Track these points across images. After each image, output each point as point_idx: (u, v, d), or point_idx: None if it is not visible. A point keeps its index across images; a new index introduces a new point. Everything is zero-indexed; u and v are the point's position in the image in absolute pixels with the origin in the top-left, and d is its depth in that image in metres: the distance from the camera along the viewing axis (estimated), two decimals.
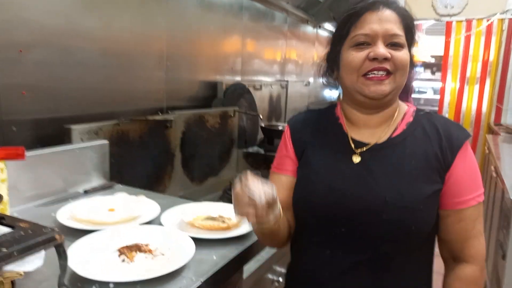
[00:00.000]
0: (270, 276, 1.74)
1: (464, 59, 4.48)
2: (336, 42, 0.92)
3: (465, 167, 0.87)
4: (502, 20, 4.23)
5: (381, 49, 0.83)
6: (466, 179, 0.87)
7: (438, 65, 4.62)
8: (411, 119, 0.93)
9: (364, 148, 0.90)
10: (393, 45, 0.85)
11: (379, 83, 0.85)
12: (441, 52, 4.58)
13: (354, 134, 0.93)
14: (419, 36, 0.93)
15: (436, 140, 0.88)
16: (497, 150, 2.88)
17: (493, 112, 4.42)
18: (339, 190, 0.87)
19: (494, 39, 4.31)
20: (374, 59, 0.83)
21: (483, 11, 4.27)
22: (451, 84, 4.58)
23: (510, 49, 4.25)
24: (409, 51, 0.89)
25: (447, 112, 4.64)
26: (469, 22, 4.38)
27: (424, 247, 0.91)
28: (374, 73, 0.84)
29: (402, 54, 0.85)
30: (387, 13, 0.85)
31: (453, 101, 4.59)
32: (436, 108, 4.79)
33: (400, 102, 0.96)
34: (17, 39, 1.36)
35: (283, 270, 1.83)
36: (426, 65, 8.54)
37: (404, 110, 0.95)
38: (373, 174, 0.87)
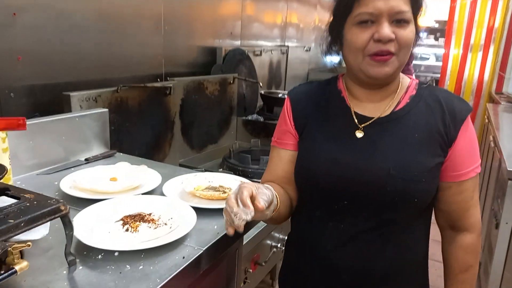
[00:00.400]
0: (268, 242, 1.79)
1: (469, 25, 4.38)
2: (339, 16, 0.88)
3: (466, 141, 0.88)
4: None
5: (386, 30, 0.80)
6: (467, 153, 0.89)
7: (441, 31, 4.53)
8: (414, 92, 0.92)
9: (368, 122, 0.90)
10: (399, 21, 0.82)
11: (383, 64, 0.83)
12: (445, 17, 4.47)
13: (357, 108, 0.92)
14: (426, 3, 0.89)
15: (439, 114, 0.88)
16: (497, 120, 2.89)
17: (495, 80, 4.37)
18: (343, 163, 0.87)
19: (500, 5, 4.20)
20: (379, 40, 0.81)
21: None
22: (454, 51, 4.51)
23: None
24: (416, 22, 0.86)
25: (449, 80, 4.60)
26: None
27: (423, 217, 0.93)
28: (378, 54, 0.83)
29: (407, 33, 0.82)
30: None
31: (455, 69, 4.53)
32: (438, 75, 4.74)
33: (403, 75, 0.95)
34: (10, 1, 1.32)
35: (281, 236, 1.88)
36: (429, 31, 8.38)
37: (407, 84, 0.94)
38: (377, 147, 0.87)
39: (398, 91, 0.92)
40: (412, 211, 0.89)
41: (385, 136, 0.88)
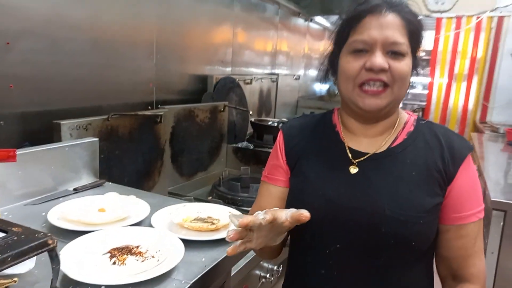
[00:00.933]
0: (257, 272, 1.78)
1: (453, 55, 4.54)
2: (337, 44, 0.87)
3: (468, 181, 0.83)
4: (491, 18, 4.29)
5: (378, 59, 0.77)
6: (468, 194, 0.83)
7: (427, 60, 4.67)
8: (411, 128, 0.89)
9: (362, 158, 0.86)
10: (394, 53, 0.79)
11: (375, 96, 0.80)
12: (430, 47, 4.63)
13: (352, 143, 0.89)
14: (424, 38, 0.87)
15: (437, 151, 0.84)
16: (481, 149, 2.95)
17: (479, 109, 4.50)
18: (335, 202, 0.83)
19: (483, 37, 4.37)
20: (370, 69, 0.78)
21: (473, 8, 4.32)
22: (439, 80, 4.65)
23: (498, 47, 4.32)
24: (414, 57, 0.84)
25: (434, 109, 4.71)
26: (459, 19, 4.42)
27: (424, 261, 0.87)
28: (369, 85, 0.80)
29: (401, 66, 0.79)
30: (390, 18, 0.79)
31: (440, 98, 4.66)
32: (425, 104, 4.85)
33: (401, 111, 0.92)
34: (3, 29, 1.34)
35: (270, 266, 1.87)
36: None
37: (404, 119, 0.90)
38: (372, 185, 0.82)
39: (395, 126, 0.88)
40: (410, 255, 0.82)
41: (381, 173, 0.83)
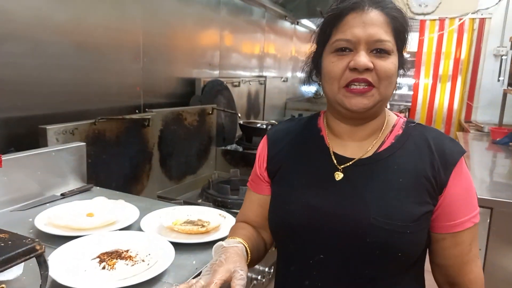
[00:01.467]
0: (249, 274, 1.77)
1: (437, 56, 4.62)
2: (319, 44, 0.83)
3: (461, 187, 0.78)
4: (473, 19, 4.38)
5: (362, 58, 0.74)
6: (462, 200, 0.78)
7: (412, 62, 4.74)
8: (400, 131, 0.84)
9: (348, 164, 0.82)
10: (379, 51, 0.75)
11: (361, 95, 0.76)
12: (415, 49, 4.70)
13: (337, 148, 0.85)
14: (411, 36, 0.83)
15: (427, 156, 0.79)
16: (467, 148, 3.00)
17: (463, 109, 4.59)
18: (319, 210, 0.79)
19: (465, 38, 4.46)
20: (355, 69, 0.75)
21: (456, 10, 4.41)
22: (424, 81, 4.72)
23: (480, 48, 4.41)
24: (401, 55, 0.80)
25: (420, 109, 4.79)
26: (442, 21, 4.51)
27: (413, 272, 0.83)
28: (355, 85, 0.76)
29: (387, 64, 0.75)
30: (373, 15, 0.75)
31: (426, 98, 4.73)
32: (410, 104, 4.92)
33: (389, 112, 0.87)
34: None
35: (261, 268, 1.87)
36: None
37: (393, 122, 0.86)
38: (357, 192, 0.79)
39: (383, 129, 0.84)
40: (397, 266, 0.78)
41: (367, 180, 0.79)
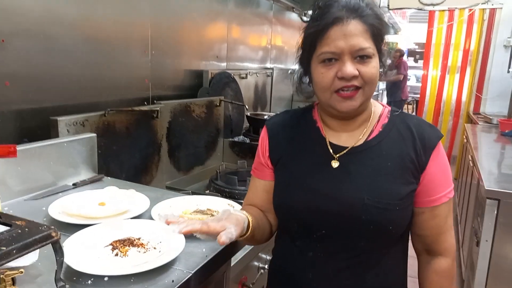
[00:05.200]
0: (256, 263, 1.80)
1: (446, 48, 4.58)
2: (305, 51, 0.92)
3: (438, 166, 0.91)
4: (483, 10, 4.32)
5: (349, 68, 0.83)
6: (439, 178, 0.91)
7: (421, 53, 4.70)
8: (386, 120, 0.95)
9: (342, 152, 0.93)
10: (361, 57, 0.84)
11: (350, 99, 0.87)
12: (424, 40, 4.66)
13: (332, 137, 0.95)
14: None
15: (410, 142, 0.91)
16: (475, 140, 2.99)
17: (472, 101, 4.54)
18: (319, 194, 0.90)
19: (475, 29, 4.40)
20: (343, 77, 0.84)
21: (466, 1, 4.35)
22: (433, 73, 4.68)
23: (490, 39, 4.36)
24: (380, 52, 0.89)
25: (428, 101, 4.75)
26: (451, 11, 4.46)
27: (400, 243, 0.96)
28: (344, 90, 0.86)
29: (369, 69, 0.85)
30: (352, 26, 0.83)
31: (434, 90, 4.70)
32: (419, 96, 4.89)
33: (375, 103, 0.98)
34: None
35: (268, 257, 1.89)
36: (409, 53, 8.65)
37: (379, 112, 0.97)
38: (352, 177, 0.90)
39: (371, 119, 0.95)
40: (388, 238, 0.91)
41: (359, 166, 0.91)
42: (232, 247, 1.07)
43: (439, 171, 0.91)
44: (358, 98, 0.87)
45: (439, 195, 0.91)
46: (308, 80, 0.96)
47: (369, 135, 0.94)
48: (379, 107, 0.98)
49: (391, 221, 0.88)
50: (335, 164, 0.92)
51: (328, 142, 0.95)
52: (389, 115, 0.96)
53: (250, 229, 0.89)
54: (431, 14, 4.53)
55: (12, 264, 0.72)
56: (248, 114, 2.82)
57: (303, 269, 0.95)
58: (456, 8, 4.41)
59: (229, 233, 0.81)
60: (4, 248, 0.67)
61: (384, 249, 0.93)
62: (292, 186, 0.94)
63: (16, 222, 0.76)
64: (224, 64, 2.74)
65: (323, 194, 0.90)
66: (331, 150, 0.94)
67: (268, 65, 3.51)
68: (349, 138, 0.94)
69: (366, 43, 0.84)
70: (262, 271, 1.82)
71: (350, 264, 0.91)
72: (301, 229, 0.95)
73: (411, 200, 0.91)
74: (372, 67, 0.86)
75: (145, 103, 2.02)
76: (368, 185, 0.88)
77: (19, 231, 0.73)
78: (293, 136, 0.99)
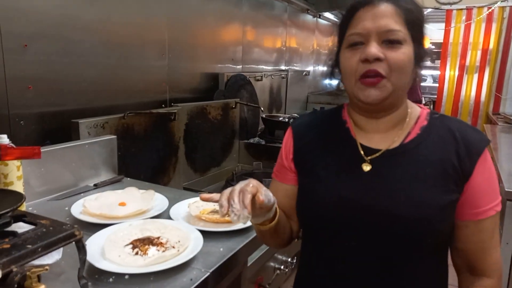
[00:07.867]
0: (272, 264, 1.81)
1: (464, 47, 4.49)
2: (339, 39, 0.86)
3: (485, 176, 0.80)
4: (503, 8, 4.23)
5: (372, 49, 0.75)
6: (486, 189, 0.81)
7: (437, 53, 4.63)
8: (425, 122, 0.85)
9: (375, 155, 0.83)
10: (390, 42, 0.76)
11: (373, 87, 0.78)
12: (440, 39, 4.59)
13: (363, 139, 0.86)
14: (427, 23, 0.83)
15: (452, 146, 0.81)
16: (495, 141, 2.93)
17: (491, 101, 4.45)
18: (350, 201, 0.81)
19: (494, 27, 4.31)
20: (366, 60, 0.76)
21: None
22: (450, 73, 4.61)
23: (510, 38, 4.26)
24: (417, 45, 0.80)
25: (446, 101, 4.67)
26: (469, 10, 4.38)
27: (439, 254, 0.86)
28: (367, 76, 0.77)
29: (397, 55, 0.76)
30: (383, 7, 0.77)
31: (452, 90, 4.62)
32: (435, 97, 4.82)
33: (412, 104, 0.89)
34: (20, 32, 1.37)
35: (284, 258, 1.90)
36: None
37: (417, 113, 0.87)
38: (386, 183, 0.81)
39: (407, 121, 0.85)
40: (424, 251, 0.82)
41: (394, 171, 0.81)
42: (249, 246, 1.08)
43: (486, 180, 0.80)
44: (383, 87, 0.77)
45: (486, 207, 0.80)
46: (340, 74, 0.88)
47: (406, 138, 0.84)
48: (417, 108, 0.89)
49: (429, 233, 0.78)
50: (366, 167, 0.83)
51: (358, 144, 0.86)
52: (428, 118, 0.86)
53: (277, 216, 0.84)
54: (449, 13, 4.46)
55: (36, 262, 0.75)
56: (264, 116, 2.83)
57: (332, 282, 0.87)
58: (474, 6, 4.33)
59: (268, 195, 0.76)
60: (30, 246, 0.70)
61: (419, 261, 0.83)
62: (320, 192, 0.86)
63: (41, 221, 0.79)
64: (239, 67, 2.77)
65: (354, 202, 0.81)
66: (362, 152, 0.84)
67: (283, 67, 3.52)
68: (382, 140, 0.85)
69: (396, 26, 0.76)
70: (278, 271, 1.83)
71: (382, 278, 0.82)
72: (330, 240, 0.86)
73: (452, 211, 0.81)
74: (402, 53, 0.76)
75: (163, 105, 2.05)
76: (404, 193, 0.79)
77: (44, 230, 0.76)
78: (320, 137, 0.91)
